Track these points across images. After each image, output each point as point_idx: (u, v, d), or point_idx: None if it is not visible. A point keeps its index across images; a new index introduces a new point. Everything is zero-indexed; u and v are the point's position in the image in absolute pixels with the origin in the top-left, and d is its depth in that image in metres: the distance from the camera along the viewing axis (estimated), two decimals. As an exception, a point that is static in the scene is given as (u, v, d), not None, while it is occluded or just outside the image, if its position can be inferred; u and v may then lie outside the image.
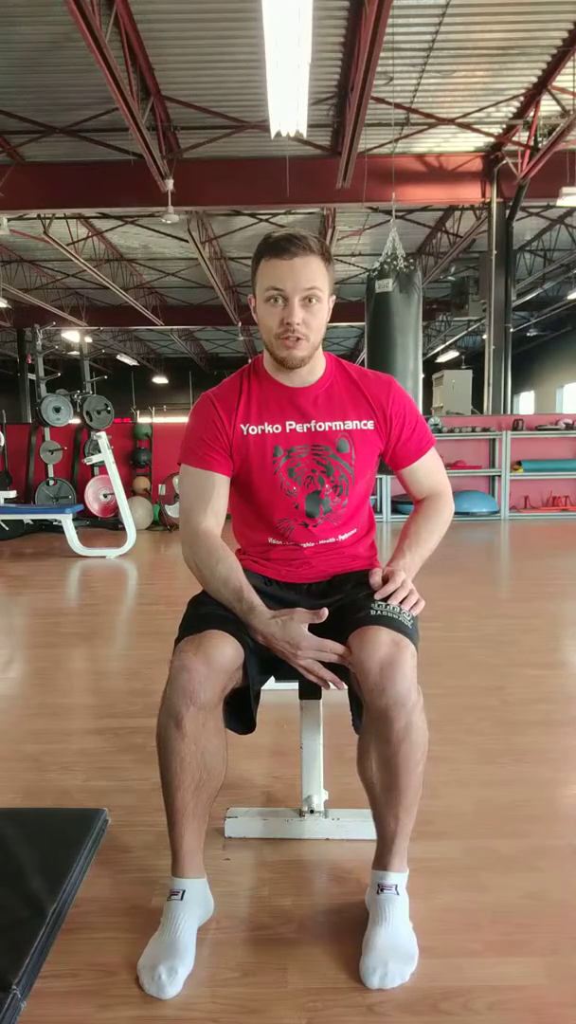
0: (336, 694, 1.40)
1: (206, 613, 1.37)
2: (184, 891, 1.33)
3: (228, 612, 1.36)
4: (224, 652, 1.29)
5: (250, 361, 1.56)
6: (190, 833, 1.34)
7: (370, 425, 1.50)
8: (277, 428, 1.47)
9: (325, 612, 1.32)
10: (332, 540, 1.53)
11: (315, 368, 1.48)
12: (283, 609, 1.35)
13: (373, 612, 1.32)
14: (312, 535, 1.51)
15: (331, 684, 1.34)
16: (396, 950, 1.27)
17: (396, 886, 1.35)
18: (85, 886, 1.51)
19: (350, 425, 1.49)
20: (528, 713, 2.38)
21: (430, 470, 1.58)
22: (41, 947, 1.30)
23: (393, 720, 1.26)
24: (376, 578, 1.38)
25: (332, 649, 1.31)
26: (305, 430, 1.47)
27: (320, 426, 1.48)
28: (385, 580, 1.38)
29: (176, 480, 7.33)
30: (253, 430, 1.47)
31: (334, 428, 1.48)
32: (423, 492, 1.59)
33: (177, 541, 6.86)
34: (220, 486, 1.47)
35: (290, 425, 1.47)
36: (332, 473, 1.48)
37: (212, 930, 1.37)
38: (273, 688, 1.51)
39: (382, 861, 1.36)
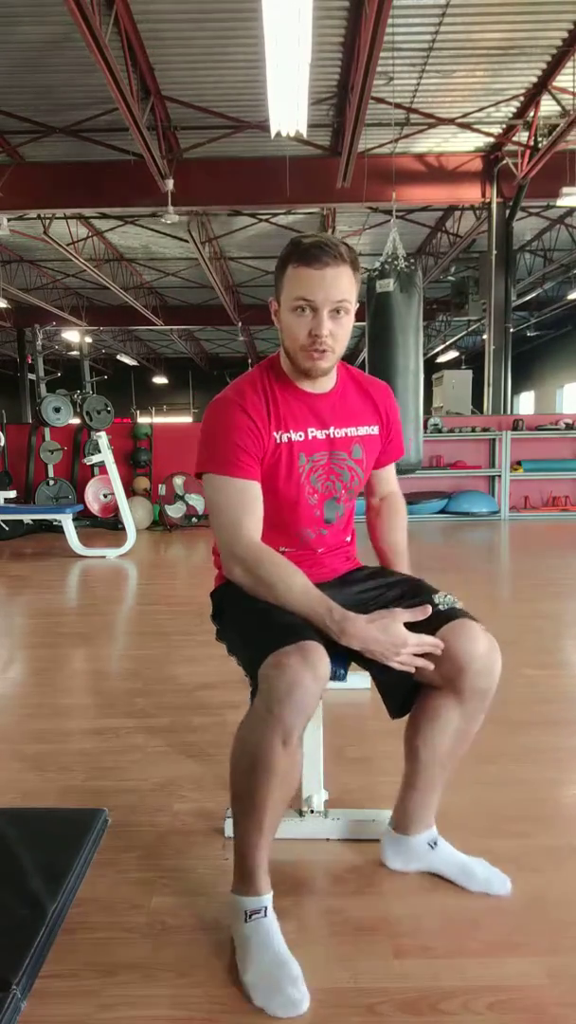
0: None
1: (293, 623, 1.29)
2: (266, 907, 1.31)
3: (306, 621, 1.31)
4: (326, 664, 1.23)
5: (265, 360, 1.51)
6: (266, 848, 1.31)
7: (376, 430, 1.55)
8: (301, 436, 1.44)
9: (429, 609, 1.34)
10: (339, 542, 1.59)
11: (331, 374, 1.48)
12: (378, 611, 1.33)
13: (457, 606, 1.43)
14: (325, 541, 1.54)
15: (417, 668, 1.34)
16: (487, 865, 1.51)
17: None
18: (85, 886, 1.51)
19: (363, 431, 1.52)
20: (528, 713, 2.38)
21: (393, 471, 1.72)
22: (41, 947, 1.30)
23: (485, 699, 1.41)
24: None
25: (432, 644, 1.32)
26: (324, 437, 1.47)
27: (337, 432, 1.48)
28: None
29: (178, 481, 7.36)
30: (283, 438, 1.43)
31: (349, 434, 1.50)
32: (384, 490, 1.71)
33: (177, 541, 6.74)
34: (259, 495, 1.40)
35: (312, 432, 1.46)
36: (347, 478, 1.50)
37: (212, 930, 1.37)
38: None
39: (429, 820, 1.55)
